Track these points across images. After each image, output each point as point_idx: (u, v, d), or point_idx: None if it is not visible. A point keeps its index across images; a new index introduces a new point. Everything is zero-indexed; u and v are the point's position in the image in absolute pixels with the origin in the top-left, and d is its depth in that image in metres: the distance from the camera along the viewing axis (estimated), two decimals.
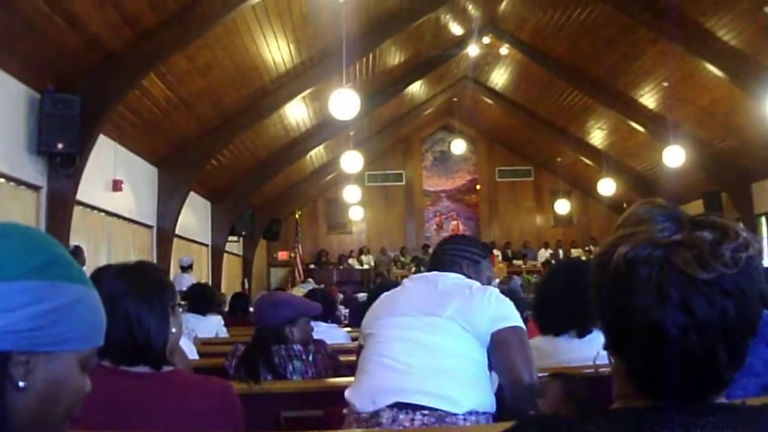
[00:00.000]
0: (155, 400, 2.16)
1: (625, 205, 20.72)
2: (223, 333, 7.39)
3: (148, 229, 13.74)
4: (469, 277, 3.16)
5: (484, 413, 2.73)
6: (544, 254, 23.73)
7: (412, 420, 2.64)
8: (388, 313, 3.04)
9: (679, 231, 1.17)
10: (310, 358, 3.98)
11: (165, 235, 13.97)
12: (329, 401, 3.52)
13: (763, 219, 16.95)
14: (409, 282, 3.24)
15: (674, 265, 1.14)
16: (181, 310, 2.45)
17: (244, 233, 19.46)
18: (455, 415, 2.64)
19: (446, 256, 3.29)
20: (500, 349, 2.84)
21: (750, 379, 2.46)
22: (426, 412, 2.65)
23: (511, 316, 2.90)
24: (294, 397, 3.67)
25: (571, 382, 3.00)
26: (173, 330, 2.29)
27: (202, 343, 6.14)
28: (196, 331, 6.59)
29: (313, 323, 5.56)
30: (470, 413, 2.67)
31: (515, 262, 23.30)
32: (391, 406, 2.70)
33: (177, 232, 14.45)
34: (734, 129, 15.19)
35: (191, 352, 4.55)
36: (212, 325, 7.22)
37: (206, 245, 17.60)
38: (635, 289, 1.15)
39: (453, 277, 3.14)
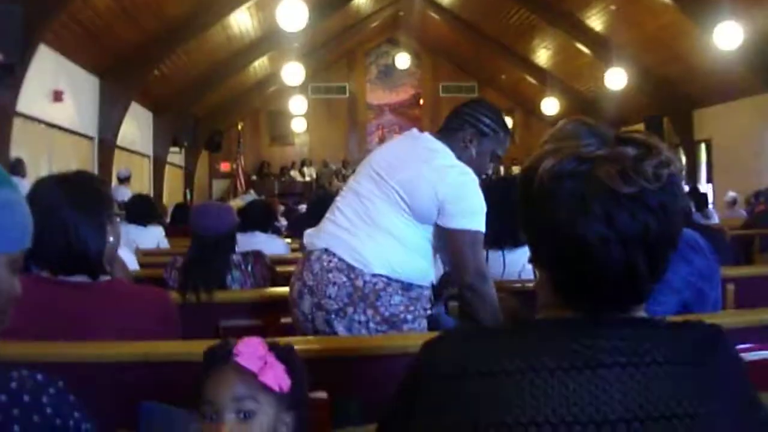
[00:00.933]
0: (93, 310, 2.19)
1: None
2: (165, 244, 7.33)
3: (89, 141, 13.50)
4: (466, 148, 3.10)
5: (398, 281, 2.90)
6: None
7: (329, 263, 2.90)
8: (366, 161, 3.15)
9: (603, 146, 1.20)
10: (249, 268, 4.01)
11: (106, 146, 13.73)
12: (267, 311, 3.59)
13: (703, 146, 17.27)
14: (401, 135, 3.28)
15: (598, 179, 1.16)
16: (119, 220, 2.46)
17: (186, 144, 19.25)
18: (362, 271, 2.86)
19: (455, 118, 3.18)
20: (449, 246, 2.98)
21: (669, 296, 2.53)
22: (341, 261, 2.88)
23: (466, 215, 2.93)
24: (232, 307, 3.72)
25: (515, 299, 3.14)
26: (111, 239, 2.29)
27: (143, 254, 6.12)
28: (137, 242, 6.57)
29: (252, 234, 5.63)
30: (378, 276, 2.87)
31: None
32: (322, 250, 2.94)
33: (119, 143, 14.22)
34: (679, 56, 15.30)
35: (132, 263, 4.53)
36: (153, 236, 7.17)
37: (148, 156, 17.40)
38: (559, 201, 1.18)
39: (433, 144, 3.08)
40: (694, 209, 7.72)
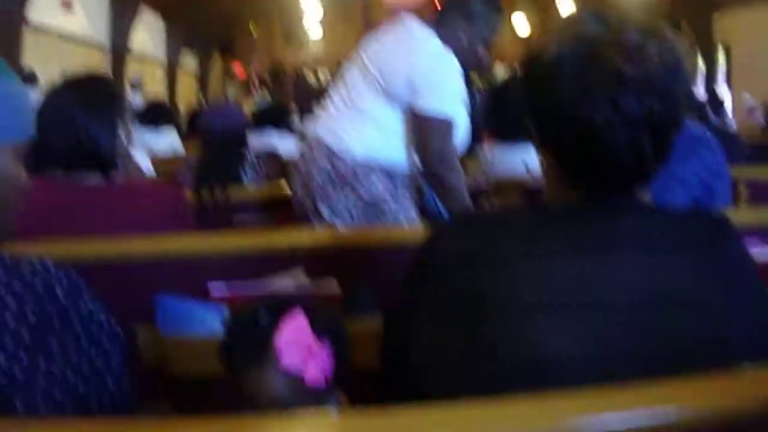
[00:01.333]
0: (106, 207, 2.21)
1: None
2: (179, 147, 7.22)
3: (101, 49, 13.42)
4: (455, 31, 3.05)
5: (378, 166, 2.99)
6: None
7: (316, 148, 3.01)
8: (358, 49, 3.17)
9: (607, 30, 1.18)
10: (262, 166, 4.08)
11: (119, 54, 13.65)
12: (280, 208, 3.63)
13: (722, 50, 16.95)
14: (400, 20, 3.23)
15: (602, 62, 1.15)
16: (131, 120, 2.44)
17: (198, 49, 19.11)
18: (344, 156, 2.95)
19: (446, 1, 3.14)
20: (416, 130, 2.99)
21: (683, 189, 2.52)
22: (326, 146, 2.98)
23: (437, 97, 2.95)
24: (245, 204, 3.79)
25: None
26: (123, 138, 2.30)
27: (157, 161, 6.07)
28: (151, 146, 6.50)
29: (265, 131, 5.65)
30: (358, 160, 2.96)
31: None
32: (313, 136, 3.06)
33: (131, 51, 14.15)
34: None
35: (146, 167, 4.54)
36: (167, 140, 7.04)
37: (161, 63, 17.31)
38: (563, 84, 1.17)
39: (419, 30, 3.06)
40: (711, 114, 7.58)
